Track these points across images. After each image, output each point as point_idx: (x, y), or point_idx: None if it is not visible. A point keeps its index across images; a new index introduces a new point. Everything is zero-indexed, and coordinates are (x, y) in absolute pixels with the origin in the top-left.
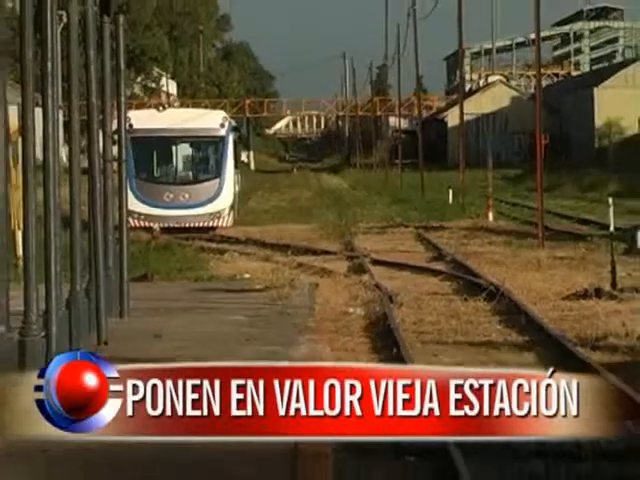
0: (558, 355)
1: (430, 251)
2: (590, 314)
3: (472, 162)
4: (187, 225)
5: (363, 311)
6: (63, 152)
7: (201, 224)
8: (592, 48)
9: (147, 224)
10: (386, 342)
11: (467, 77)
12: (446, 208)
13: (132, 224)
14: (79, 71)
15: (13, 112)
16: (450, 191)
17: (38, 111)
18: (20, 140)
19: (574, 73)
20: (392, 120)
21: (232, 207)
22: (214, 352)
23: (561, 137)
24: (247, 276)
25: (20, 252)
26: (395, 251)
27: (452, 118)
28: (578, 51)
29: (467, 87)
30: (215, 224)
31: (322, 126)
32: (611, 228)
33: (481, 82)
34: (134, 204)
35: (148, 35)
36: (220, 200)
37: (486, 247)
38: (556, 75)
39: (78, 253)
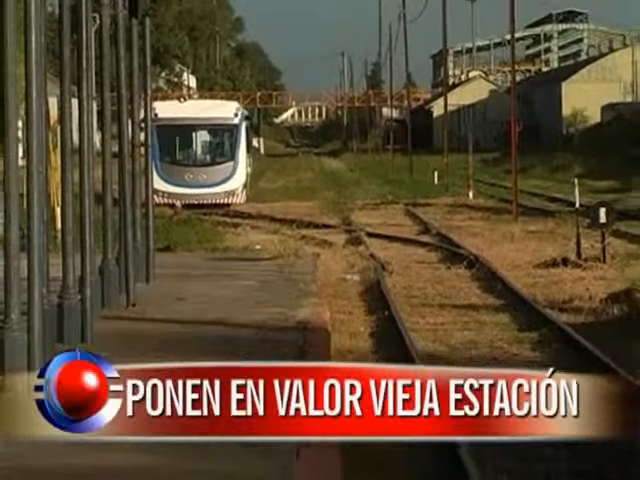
0: (529, 316)
1: (418, 225)
2: (558, 280)
3: (455, 147)
4: (205, 202)
5: (359, 278)
6: (96, 138)
7: (217, 201)
8: (560, 47)
9: (170, 201)
10: (379, 305)
11: (450, 73)
12: (431, 187)
13: (157, 201)
14: (110, 67)
15: (53, 103)
16: (435, 172)
17: (74, 102)
18: (59, 127)
19: (544, 69)
20: (385, 110)
21: (245, 186)
22: (230, 312)
23: (533, 125)
24: (258, 247)
25: (59, 225)
26: (387, 225)
27: (437, 109)
28: (548, 50)
29: (450, 81)
30: (230, 201)
31: (323, 116)
32: (576, 205)
33: (463, 77)
34: (158, 183)
35: (171, 35)
36: (234, 180)
37: (467, 222)
38: (528, 71)
39: (109, 226)
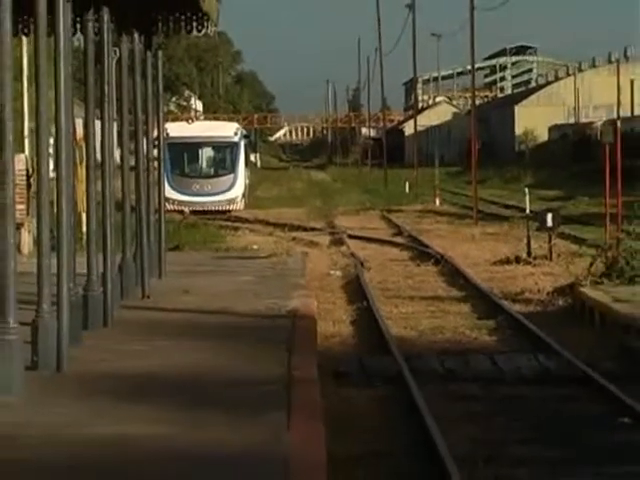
0: (487, 306)
1: (392, 228)
2: (511, 275)
3: (423, 162)
4: (209, 209)
5: (341, 273)
6: (116, 154)
7: (220, 208)
8: (513, 76)
9: (179, 208)
10: (358, 296)
11: (420, 98)
12: (403, 196)
13: (168, 208)
14: (128, 93)
15: (79, 123)
16: (407, 183)
17: (97, 123)
18: (84, 145)
19: (500, 95)
20: (364, 130)
21: (243, 195)
22: (231, 302)
23: (490, 143)
24: (255, 247)
25: (84, 229)
26: (365, 228)
27: (408, 129)
28: (503, 79)
29: (420, 105)
30: (230, 208)
31: (311, 134)
32: (527, 211)
33: (430, 102)
34: (169, 193)
35: (180, 66)
36: (234, 190)
37: (434, 225)
38: (486, 96)
39: (127, 229)
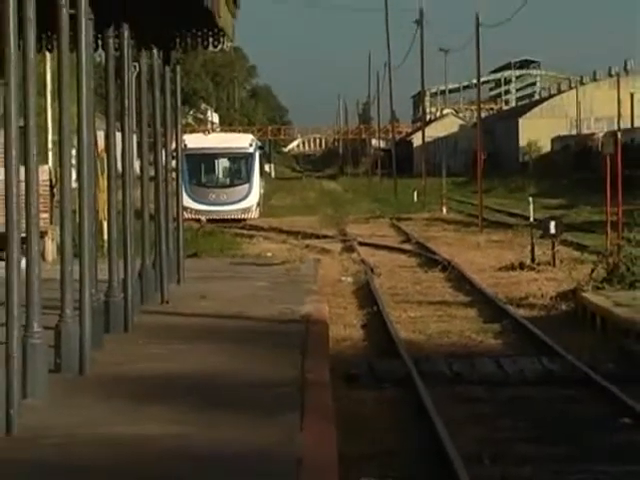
0: (493, 310)
1: (400, 235)
2: (516, 281)
3: (431, 172)
4: (225, 217)
5: (352, 279)
6: (136, 165)
7: (235, 217)
8: (517, 89)
9: (197, 217)
10: (368, 301)
11: (427, 111)
12: (412, 205)
13: (186, 216)
14: (147, 106)
15: (100, 136)
16: (415, 192)
17: (118, 135)
18: (105, 156)
19: (505, 107)
20: (373, 141)
21: (258, 204)
22: (246, 308)
23: (495, 154)
24: (269, 254)
25: (105, 236)
26: (375, 235)
27: (417, 140)
28: (507, 92)
29: (427, 118)
30: (246, 217)
31: (323, 146)
32: (531, 219)
33: (437, 114)
34: (187, 202)
35: (198, 80)
36: (249, 199)
37: (441, 233)
38: (492, 109)
39: (147, 237)
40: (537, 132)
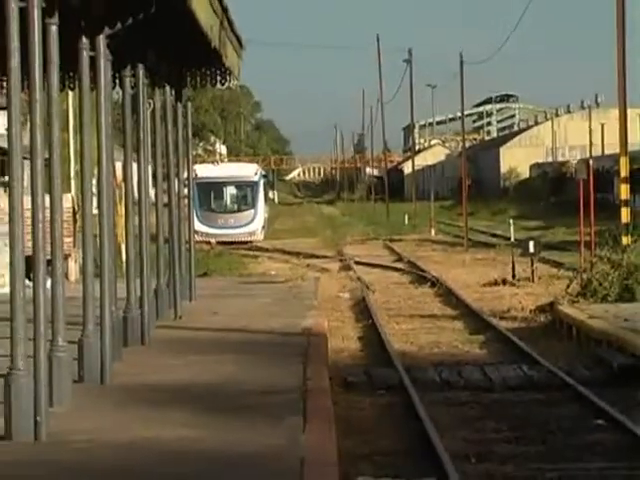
0: (477, 323)
1: (393, 255)
2: (499, 296)
3: (420, 197)
4: (233, 240)
5: (349, 295)
6: (151, 192)
7: (242, 239)
8: (498, 121)
9: (207, 239)
10: (364, 315)
11: (417, 141)
12: (403, 227)
13: (197, 239)
14: (161, 139)
15: (118, 166)
16: (406, 215)
17: (134, 165)
18: (123, 185)
19: (487, 138)
20: (368, 169)
21: (263, 227)
22: (253, 322)
23: (478, 180)
24: (273, 273)
25: (124, 258)
26: (370, 255)
27: (407, 168)
28: (489, 124)
29: (417, 147)
30: (251, 239)
31: (322, 174)
32: (512, 239)
33: (426, 144)
34: (198, 226)
35: (207, 115)
36: (255, 223)
37: (429, 252)
38: (475, 139)
39: (162, 258)
40: (516, 160)
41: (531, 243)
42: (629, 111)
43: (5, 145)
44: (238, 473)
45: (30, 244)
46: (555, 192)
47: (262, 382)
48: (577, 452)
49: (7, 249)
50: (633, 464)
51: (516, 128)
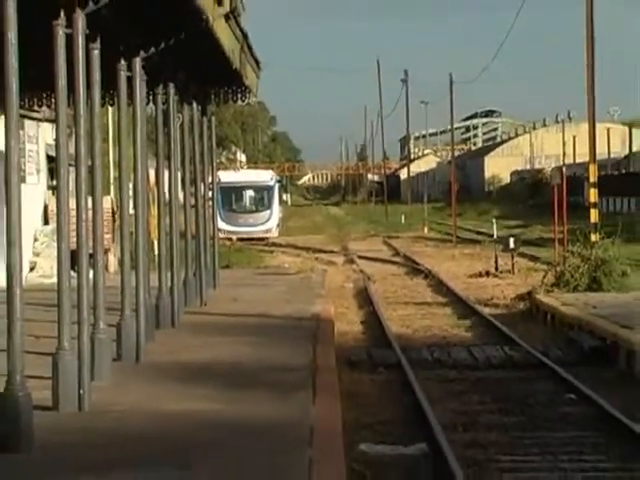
0: (464, 309)
1: (391, 250)
2: (483, 286)
3: (415, 199)
4: (251, 237)
5: (352, 285)
6: (180, 195)
7: (259, 236)
8: (483, 134)
9: (228, 236)
10: (365, 302)
11: (412, 151)
12: (400, 225)
13: (220, 236)
14: (189, 149)
15: (151, 172)
16: (402, 216)
17: (166, 172)
18: (155, 188)
19: (473, 148)
20: (369, 175)
21: (278, 226)
22: (268, 308)
23: (466, 185)
24: (286, 265)
25: (156, 252)
26: (371, 250)
27: (403, 174)
28: (475, 136)
29: (412, 156)
30: (268, 236)
31: (329, 179)
32: (494, 236)
33: (420, 153)
34: (221, 224)
35: (229, 128)
36: (270, 222)
37: (423, 248)
38: (463, 149)
39: (189, 253)
40: (499, 167)
41: (511, 240)
42: (597, 125)
43: (54, 154)
44: (256, 439)
45: (75, 240)
46: (533, 195)
47: (277, 361)
48: (552, 422)
49: (55, 244)
50: (599, 432)
51: (499, 139)
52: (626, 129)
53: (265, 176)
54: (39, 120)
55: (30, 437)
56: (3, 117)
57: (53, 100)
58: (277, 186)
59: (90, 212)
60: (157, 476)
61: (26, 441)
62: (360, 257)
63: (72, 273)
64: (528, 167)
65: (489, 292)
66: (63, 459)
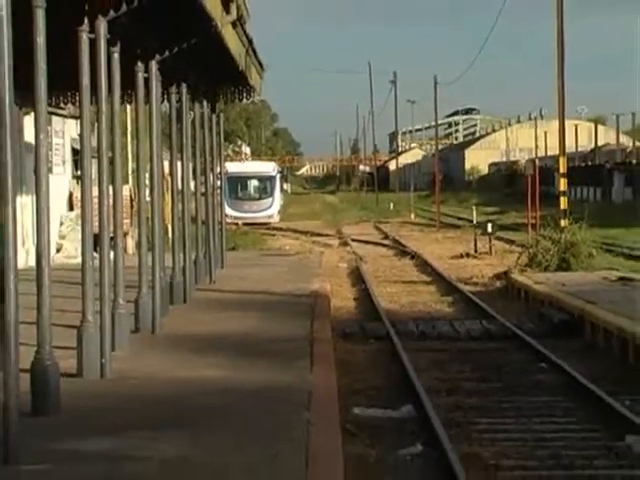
0: (447, 287)
1: (381, 234)
2: (463, 266)
3: (402, 188)
4: (255, 222)
5: (346, 265)
6: (192, 184)
7: (262, 221)
8: (464, 129)
9: (235, 221)
10: (358, 281)
11: (400, 145)
12: (389, 212)
13: (227, 221)
14: (199, 142)
15: (166, 164)
16: (391, 203)
17: (179, 163)
18: (169, 178)
19: (455, 142)
20: (361, 167)
21: (279, 212)
22: (271, 285)
23: (448, 175)
24: (287, 248)
25: (170, 235)
26: (363, 234)
27: (392, 166)
28: (457, 131)
29: (399, 150)
30: (270, 221)
31: (325, 170)
32: (474, 221)
33: (407, 147)
34: (228, 211)
35: (235, 123)
36: (273, 208)
37: (410, 232)
38: (445, 143)
39: (199, 236)
40: (478, 160)
41: (489, 224)
42: (567, 122)
43: (78, 147)
44: (260, 401)
45: (97, 224)
46: (508, 185)
47: (278, 333)
48: (526, 388)
49: (79, 228)
50: (568, 397)
51: (478, 134)
52: (592, 125)
53: (268, 167)
54: (65, 116)
55: (57, 402)
56: (33, 114)
57: (77, 98)
58: (278, 176)
59: (111, 199)
60: (172, 434)
61: (54, 405)
62: (353, 240)
63: (94, 254)
64: (504, 159)
65: (469, 272)
66: (87, 421)
